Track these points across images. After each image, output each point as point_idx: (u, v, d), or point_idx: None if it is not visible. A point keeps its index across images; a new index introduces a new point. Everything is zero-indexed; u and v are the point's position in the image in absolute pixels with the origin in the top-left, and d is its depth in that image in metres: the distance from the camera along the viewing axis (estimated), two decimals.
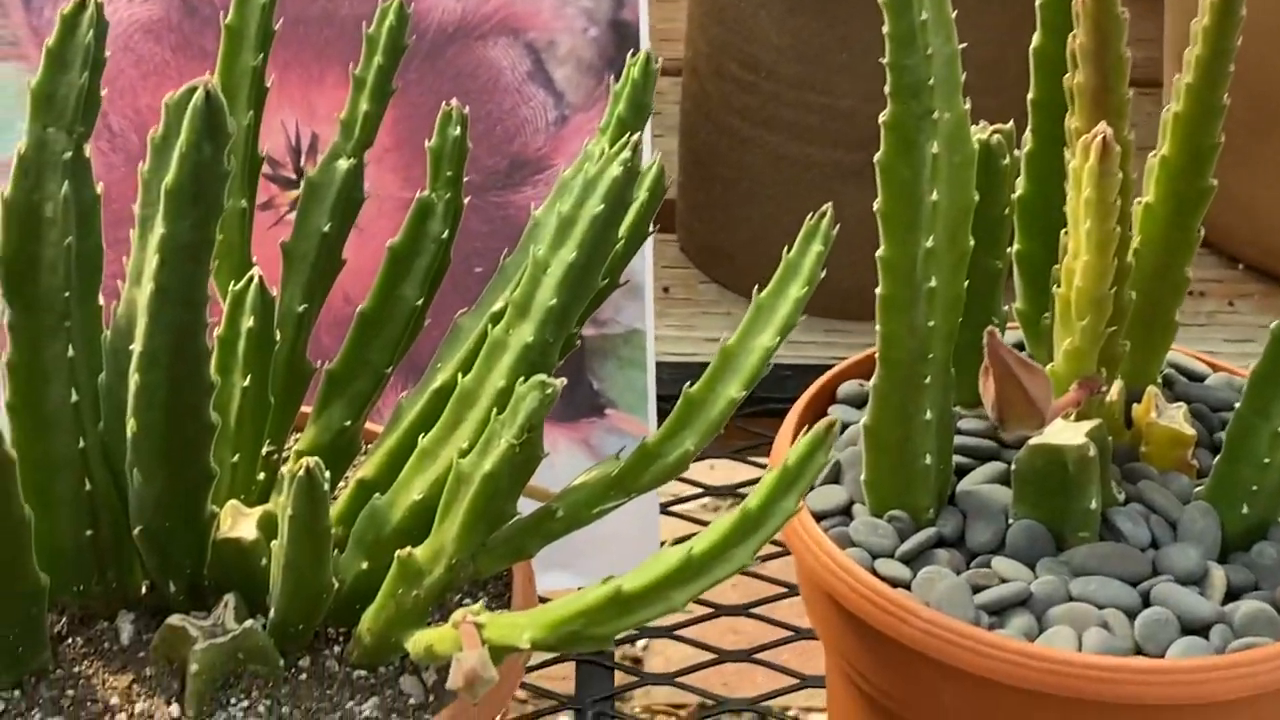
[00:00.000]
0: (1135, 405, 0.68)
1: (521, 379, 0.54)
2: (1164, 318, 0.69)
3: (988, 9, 1.03)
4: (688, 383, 0.56)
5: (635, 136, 0.54)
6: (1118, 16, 0.59)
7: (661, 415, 0.97)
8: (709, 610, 0.85)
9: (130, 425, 0.53)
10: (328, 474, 0.53)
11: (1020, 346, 0.72)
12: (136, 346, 0.52)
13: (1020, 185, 0.67)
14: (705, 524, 0.57)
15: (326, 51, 0.80)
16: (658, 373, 1.04)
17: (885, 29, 0.59)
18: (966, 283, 0.63)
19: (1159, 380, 0.70)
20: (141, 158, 0.53)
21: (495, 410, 0.54)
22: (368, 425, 0.65)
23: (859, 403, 0.71)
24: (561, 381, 0.52)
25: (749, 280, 1.18)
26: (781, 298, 0.55)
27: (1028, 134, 0.67)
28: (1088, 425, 0.63)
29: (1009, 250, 0.68)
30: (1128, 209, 0.63)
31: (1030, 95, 0.66)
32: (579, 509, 0.56)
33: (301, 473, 0.53)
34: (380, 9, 0.60)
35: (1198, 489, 0.65)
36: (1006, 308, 0.69)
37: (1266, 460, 0.62)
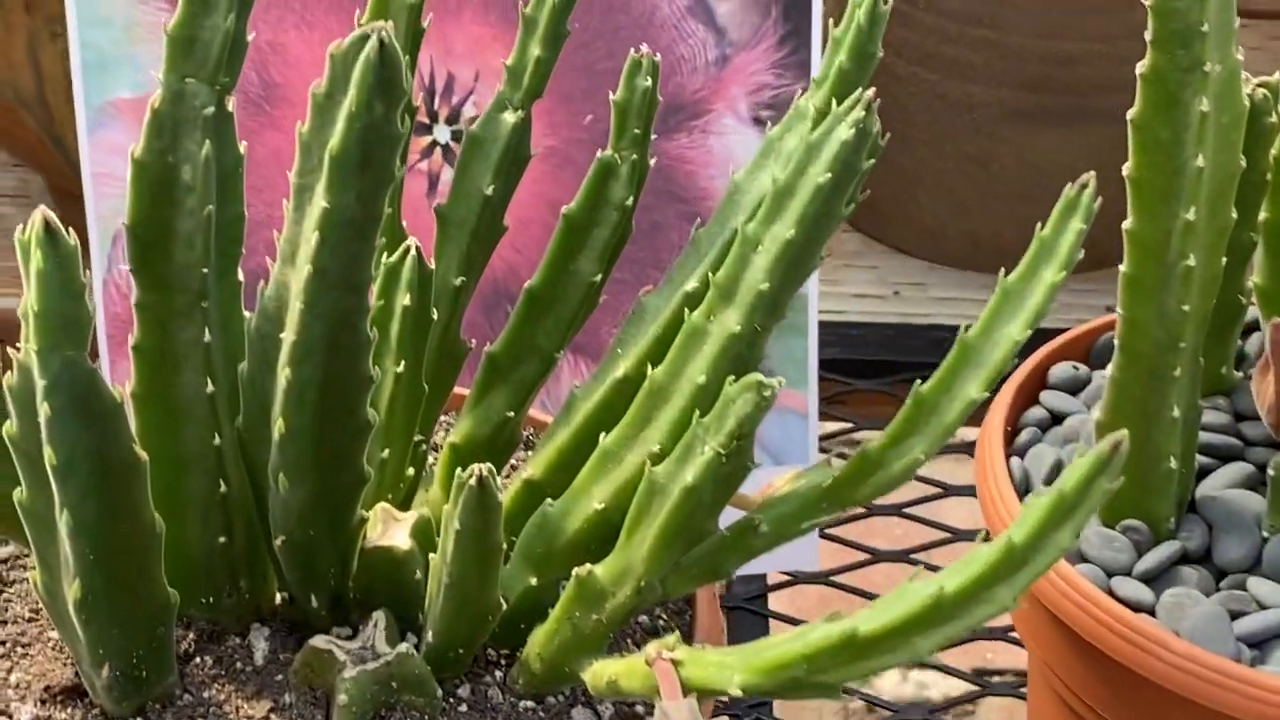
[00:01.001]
0: None
1: (727, 375, 0.46)
2: None
3: None
4: (918, 380, 0.48)
5: (868, 93, 0.46)
6: None
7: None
8: None
9: (277, 425, 0.45)
10: (501, 482, 0.46)
11: (1256, 327, 0.64)
12: (288, 335, 0.44)
13: (1278, 144, 0.58)
14: None
15: None
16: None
17: None
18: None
19: None
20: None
21: (696, 411, 0.46)
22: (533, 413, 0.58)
23: (1074, 388, 0.62)
24: (780, 381, 0.44)
25: (896, 232, 1.11)
26: (1034, 282, 0.47)
27: None
28: None
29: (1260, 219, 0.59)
30: None
31: None
32: (786, 523, 0.49)
33: (473, 482, 0.45)
34: None
35: None
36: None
37: None
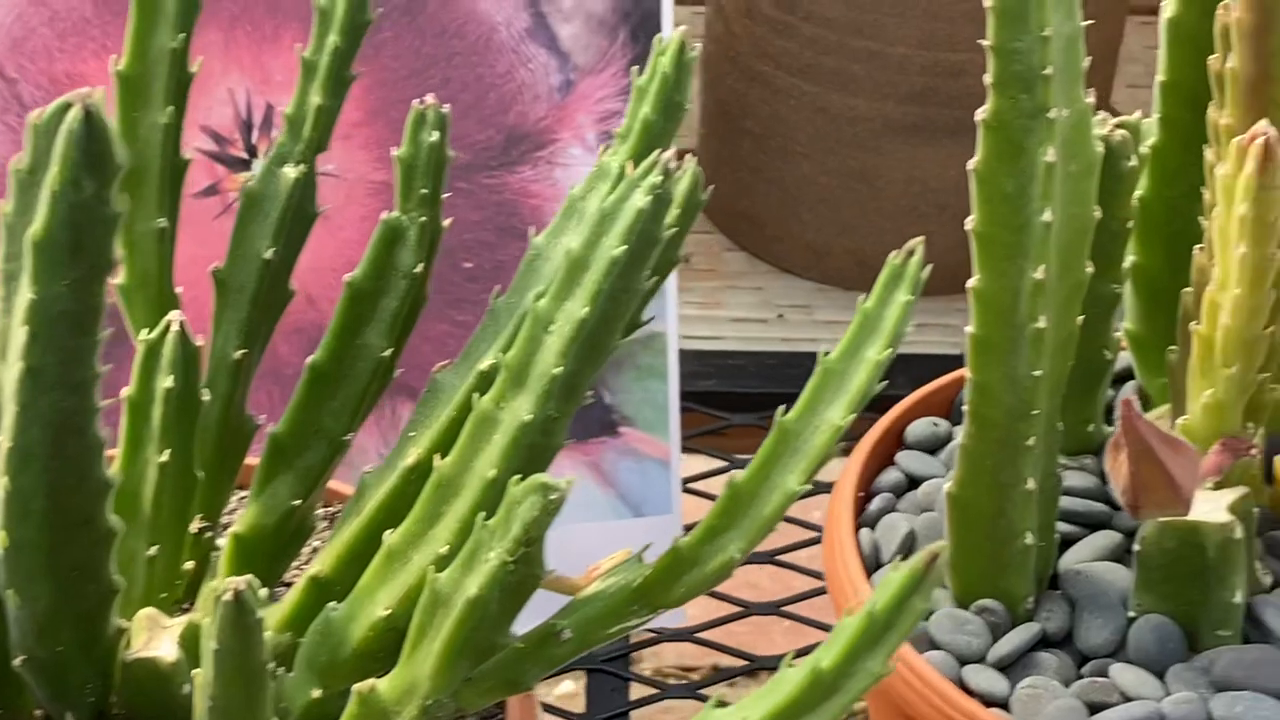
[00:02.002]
0: (1278, 458, 0.55)
1: (520, 468, 0.41)
2: None
3: None
4: (734, 472, 0.43)
5: (667, 153, 0.41)
6: None
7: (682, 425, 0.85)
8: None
9: (0, 538, 0.40)
10: (263, 592, 0.41)
11: (1129, 375, 0.60)
12: (3, 441, 0.39)
13: (1142, 185, 0.54)
14: None
15: (282, 3, 0.66)
16: (687, 362, 0.91)
17: (986, 1, 0.46)
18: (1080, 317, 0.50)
19: None
20: None
21: (483, 510, 0.41)
22: (334, 485, 0.53)
23: (933, 446, 0.58)
24: (569, 481, 0.40)
25: (782, 251, 1.07)
26: (856, 361, 0.42)
27: (1153, 124, 0.54)
28: (1232, 496, 0.50)
29: (1125, 266, 0.55)
30: None
31: (1160, 76, 0.52)
32: (592, 628, 0.44)
33: (228, 597, 0.40)
34: None
35: None
36: (1117, 331, 0.56)
37: None
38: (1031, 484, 0.50)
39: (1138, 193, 0.54)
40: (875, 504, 0.56)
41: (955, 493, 0.51)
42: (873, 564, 0.54)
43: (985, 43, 0.46)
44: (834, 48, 0.92)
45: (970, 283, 0.49)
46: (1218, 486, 0.51)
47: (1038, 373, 0.49)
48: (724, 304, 0.98)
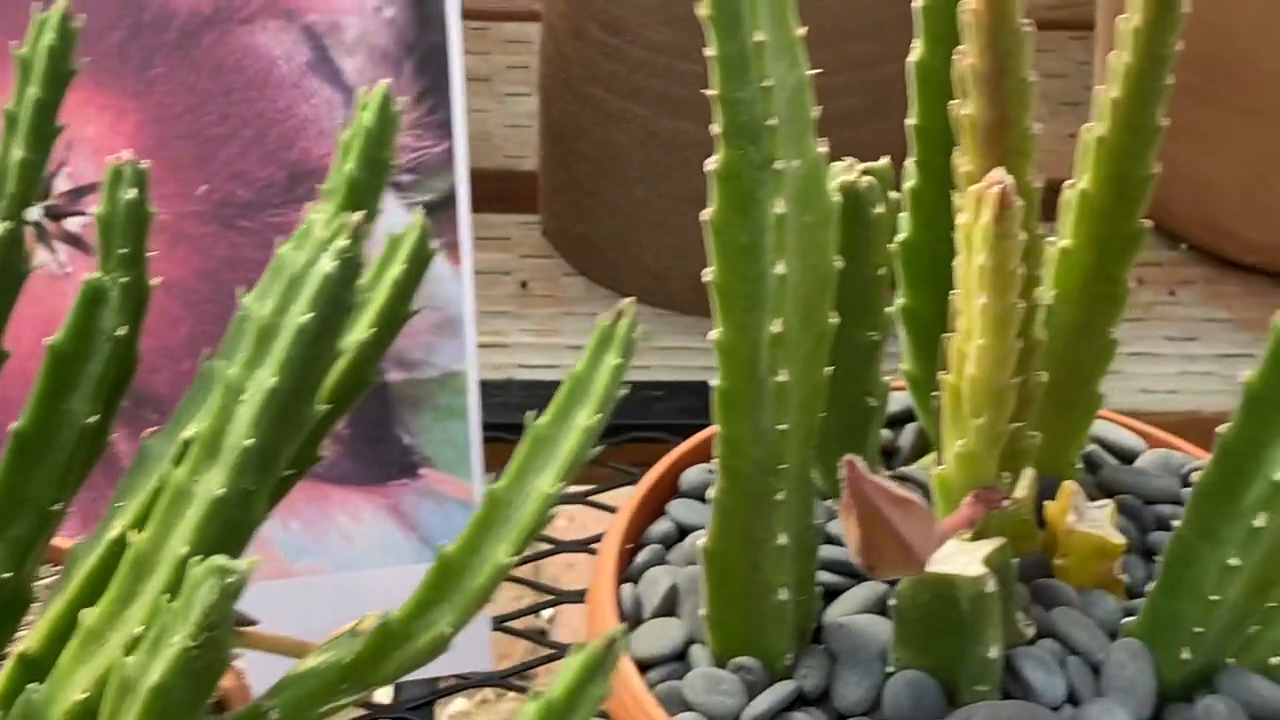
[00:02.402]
0: (1049, 502, 0.54)
1: (215, 545, 0.40)
2: (1085, 390, 0.55)
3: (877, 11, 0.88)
4: (442, 545, 0.41)
5: (355, 217, 0.39)
6: (1018, 30, 0.45)
7: (501, 459, 0.83)
8: None
9: None
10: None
11: (910, 416, 0.58)
12: None
13: (905, 227, 0.53)
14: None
15: None
16: (508, 394, 0.90)
17: (709, 50, 0.44)
18: (830, 368, 0.49)
19: (1079, 464, 0.56)
20: None
21: (174, 589, 0.39)
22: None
23: (706, 495, 0.57)
24: (251, 563, 0.38)
25: (620, 274, 1.05)
26: (566, 427, 0.41)
27: (910, 166, 0.52)
28: (987, 547, 0.49)
29: (890, 308, 0.53)
30: (1036, 271, 0.49)
31: (911, 120, 0.51)
32: (301, 708, 0.42)
33: None
34: (35, 21, 0.44)
35: (1127, 620, 0.51)
36: (893, 373, 0.55)
37: (1214, 596, 0.48)
38: (784, 539, 0.49)
39: (902, 235, 0.53)
40: (642, 557, 0.54)
41: (710, 548, 0.50)
42: (634, 621, 0.52)
43: (711, 93, 0.45)
44: (662, 71, 0.90)
45: (712, 335, 0.47)
46: (976, 537, 0.50)
47: (783, 426, 0.47)
48: (561, 330, 0.96)
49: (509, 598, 0.83)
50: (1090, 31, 1.10)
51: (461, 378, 0.70)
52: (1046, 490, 0.54)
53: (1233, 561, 0.47)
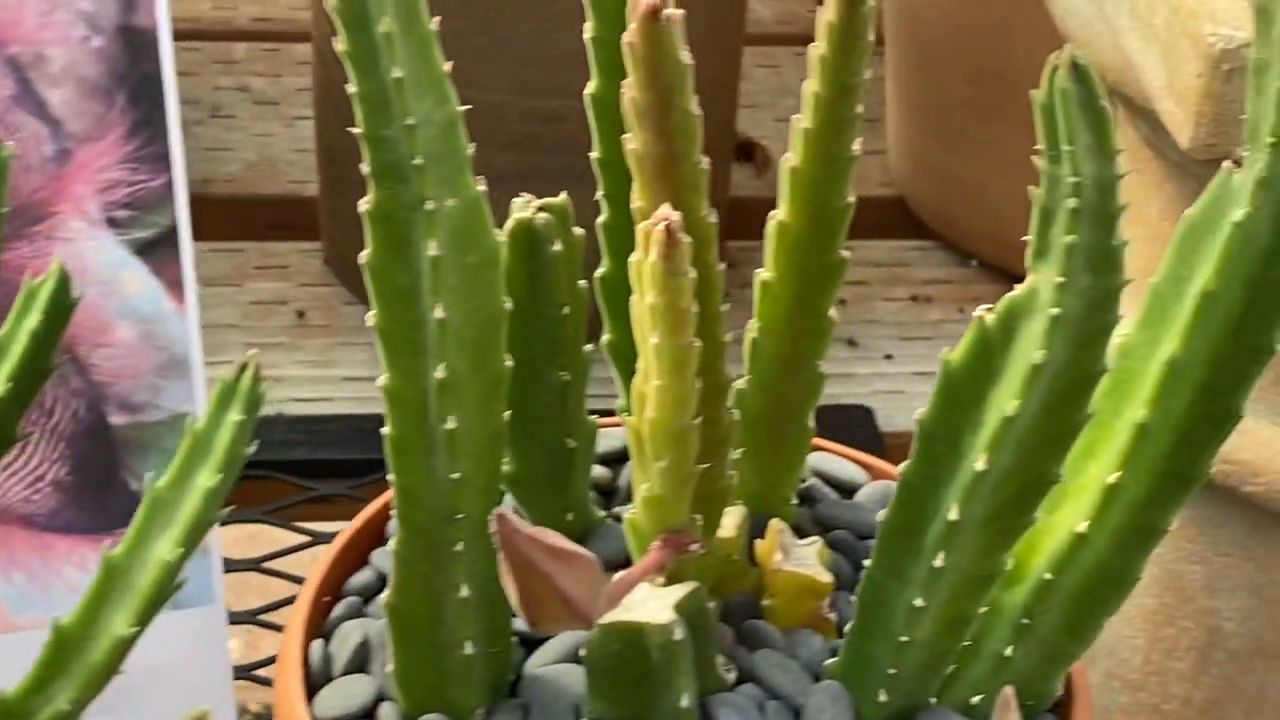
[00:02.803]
0: (760, 540, 0.53)
1: None
2: (796, 424, 0.54)
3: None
4: (56, 619, 0.39)
5: None
6: (679, 61, 0.43)
7: (267, 498, 0.80)
8: None
9: None
10: None
11: (628, 454, 0.57)
12: None
13: (605, 263, 0.51)
14: None
15: None
16: (274, 430, 0.87)
17: (350, 88, 0.43)
18: (510, 411, 0.47)
19: (793, 501, 0.55)
20: None
21: None
22: None
23: None
24: None
25: None
26: (187, 489, 0.39)
27: (601, 200, 0.51)
28: (680, 592, 0.47)
29: (588, 345, 0.52)
30: (715, 309, 0.48)
31: (595, 154, 0.50)
32: None
33: None
34: None
35: (831, 661, 0.50)
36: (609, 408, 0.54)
37: (904, 638, 0.47)
38: (466, 590, 0.47)
39: (601, 270, 0.52)
40: (339, 609, 0.52)
41: (392, 602, 0.48)
42: (322, 679, 0.50)
43: (357, 130, 0.43)
44: None
45: (380, 381, 0.45)
46: (672, 581, 0.48)
47: (456, 475, 0.46)
48: (338, 362, 0.94)
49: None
50: (881, 46, 1.09)
51: (190, 420, 0.67)
52: (759, 529, 0.53)
53: (918, 602, 0.46)
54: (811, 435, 0.54)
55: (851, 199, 0.50)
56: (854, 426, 0.88)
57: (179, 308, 0.66)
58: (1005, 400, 0.42)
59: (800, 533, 0.54)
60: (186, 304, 0.66)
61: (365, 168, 0.43)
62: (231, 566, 0.78)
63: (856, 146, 0.50)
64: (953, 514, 0.44)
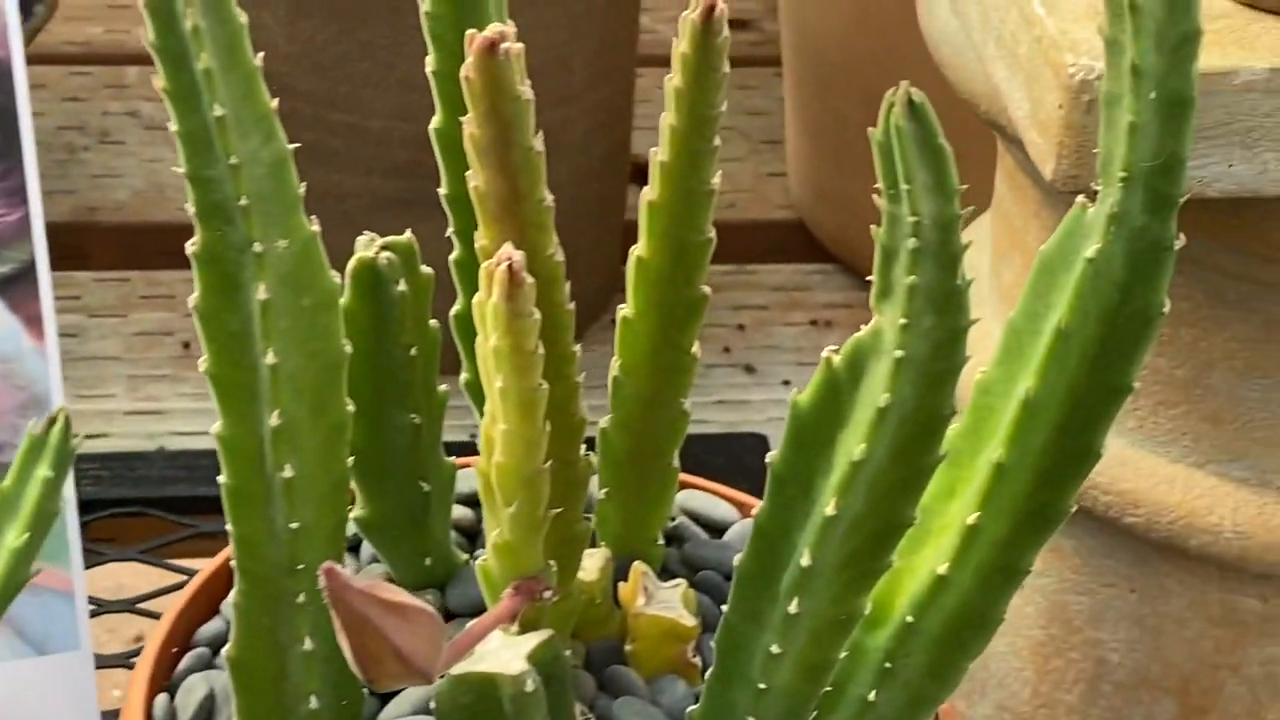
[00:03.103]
0: (621, 584, 0.52)
1: None
2: (661, 463, 0.52)
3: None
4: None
5: None
6: (519, 97, 0.42)
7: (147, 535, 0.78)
8: None
9: None
10: None
11: None
12: None
13: (459, 302, 0.50)
14: None
15: None
16: (151, 465, 0.86)
17: (171, 127, 0.41)
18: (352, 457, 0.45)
19: (660, 541, 0.54)
20: None
21: None
22: None
23: None
24: None
25: None
26: None
27: (452, 236, 0.50)
28: (534, 641, 0.46)
29: (443, 387, 0.50)
30: (566, 349, 0.46)
31: (443, 190, 0.49)
32: None
33: None
34: None
35: (693, 709, 0.48)
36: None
37: (762, 685, 0.45)
38: (310, 644, 0.46)
39: (455, 308, 0.51)
40: (186, 661, 0.50)
41: (234, 655, 0.46)
42: None
43: (180, 170, 0.41)
44: (310, 122, 0.87)
45: (214, 429, 0.44)
46: (527, 628, 0.47)
47: (296, 525, 0.44)
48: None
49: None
50: (781, 69, 1.09)
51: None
52: (625, 571, 0.52)
53: (775, 649, 0.44)
54: (676, 473, 0.53)
55: (711, 234, 0.49)
56: (748, 455, 0.87)
57: (38, 345, 0.64)
58: (854, 444, 0.41)
59: (669, 574, 0.53)
60: (46, 341, 0.64)
61: (190, 208, 0.41)
62: (106, 608, 0.76)
63: (715, 180, 0.49)
64: (805, 559, 0.43)
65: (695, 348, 0.51)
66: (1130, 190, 0.42)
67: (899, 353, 0.39)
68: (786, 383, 0.95)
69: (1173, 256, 0.43)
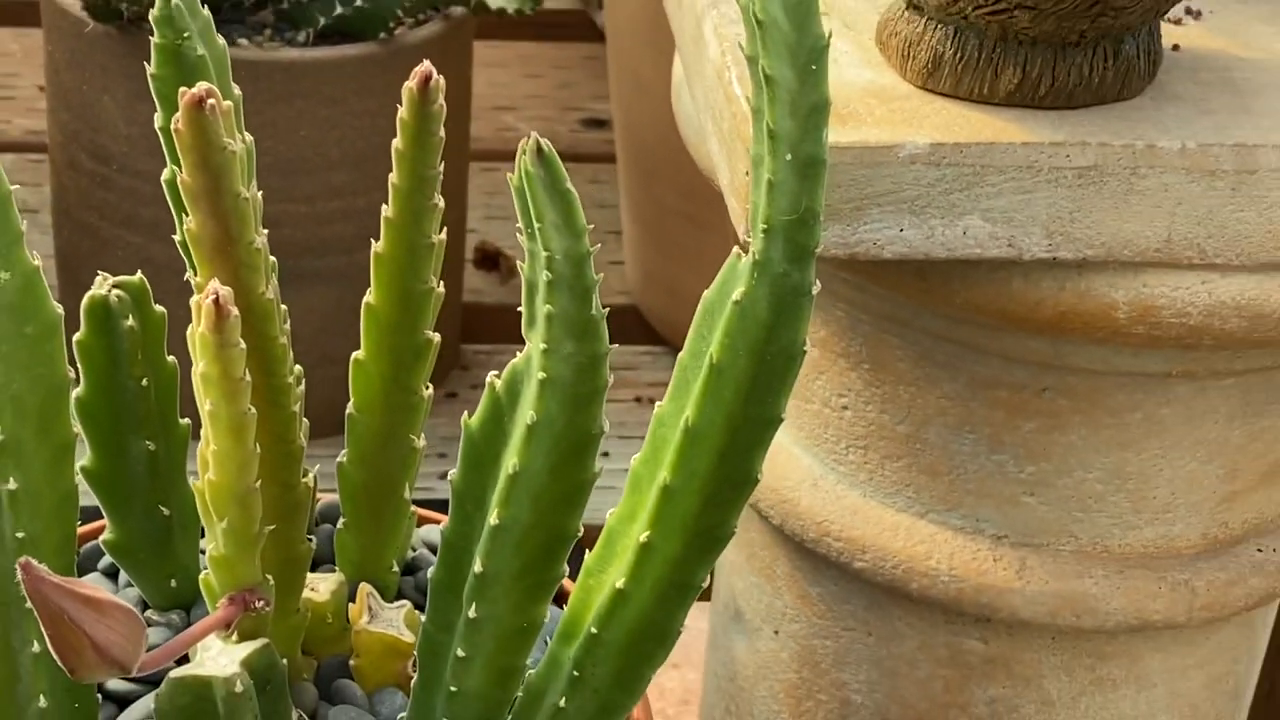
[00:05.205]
0: (350, 604, 0.56)
1: None
2: (395, 496, 0.57)
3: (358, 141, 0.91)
4: None
5: None
6: (225, 148, 0.47)
7: None
8: None
9: None
10: None
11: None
12: None
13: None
14: None
15: None
16: None
17: None
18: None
19: (395, 569, 0.58)
20: None
21: None
22: None
23: None
24: None
25: None
26: None
27: (190, 278, 0.54)
28: (249, 648, 0.50)
29: (185, 420, 0.55)
30: (283, 380, 0.51)
31: (178, 235, 0.53)
32: None
33: None
34: None
35: (403, 715, 0.53)
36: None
37: (454, 688, 0.50)
38: (38, 646, 0.50)
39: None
40: None
41: None
42: None
43: None
44: (150, 199, 0.92)
45: None
46: (247, 637, 0.51)
47: (21, 534, 0.48)
48: None
49: None
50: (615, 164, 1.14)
51: None
52: (352, 594, 0.56)
53: (461, 652, 0.49)
54: (409, 506, 0.57)
55: (434, 283, 0.54)
56: None
57: None
58: (510, 459, 0.46)
59: (402, 599, 0.58)
60: None
61: None
62: None
63: (438, 235, 0.54)
64: (478, 566, 0.47)
65: (426, 390, 0.56)
66: (771, 240, 0.47)
67: (542, 374, 0.44)
68: (605, 454, 1.00)
69: (811, 301, 0.48)
